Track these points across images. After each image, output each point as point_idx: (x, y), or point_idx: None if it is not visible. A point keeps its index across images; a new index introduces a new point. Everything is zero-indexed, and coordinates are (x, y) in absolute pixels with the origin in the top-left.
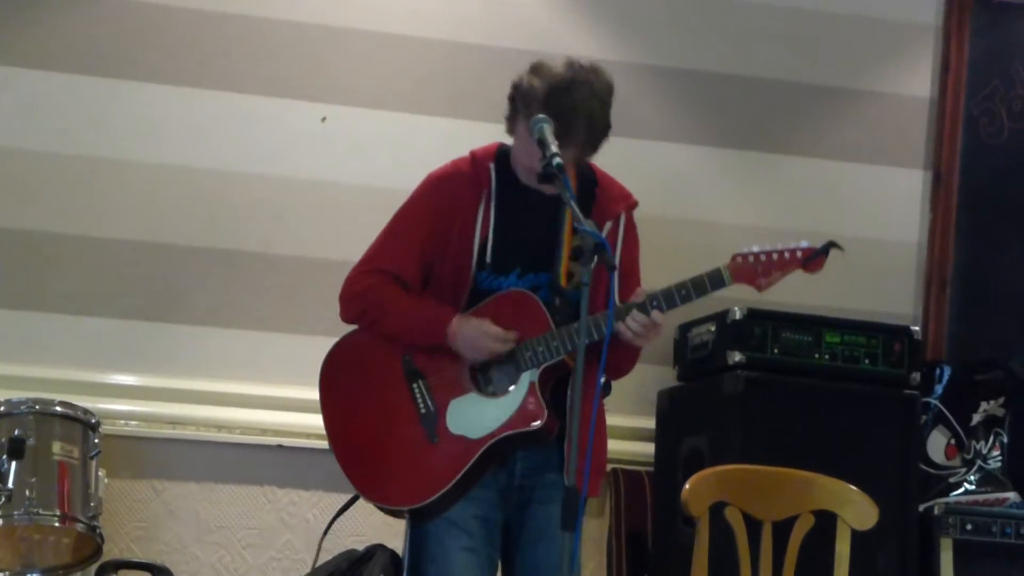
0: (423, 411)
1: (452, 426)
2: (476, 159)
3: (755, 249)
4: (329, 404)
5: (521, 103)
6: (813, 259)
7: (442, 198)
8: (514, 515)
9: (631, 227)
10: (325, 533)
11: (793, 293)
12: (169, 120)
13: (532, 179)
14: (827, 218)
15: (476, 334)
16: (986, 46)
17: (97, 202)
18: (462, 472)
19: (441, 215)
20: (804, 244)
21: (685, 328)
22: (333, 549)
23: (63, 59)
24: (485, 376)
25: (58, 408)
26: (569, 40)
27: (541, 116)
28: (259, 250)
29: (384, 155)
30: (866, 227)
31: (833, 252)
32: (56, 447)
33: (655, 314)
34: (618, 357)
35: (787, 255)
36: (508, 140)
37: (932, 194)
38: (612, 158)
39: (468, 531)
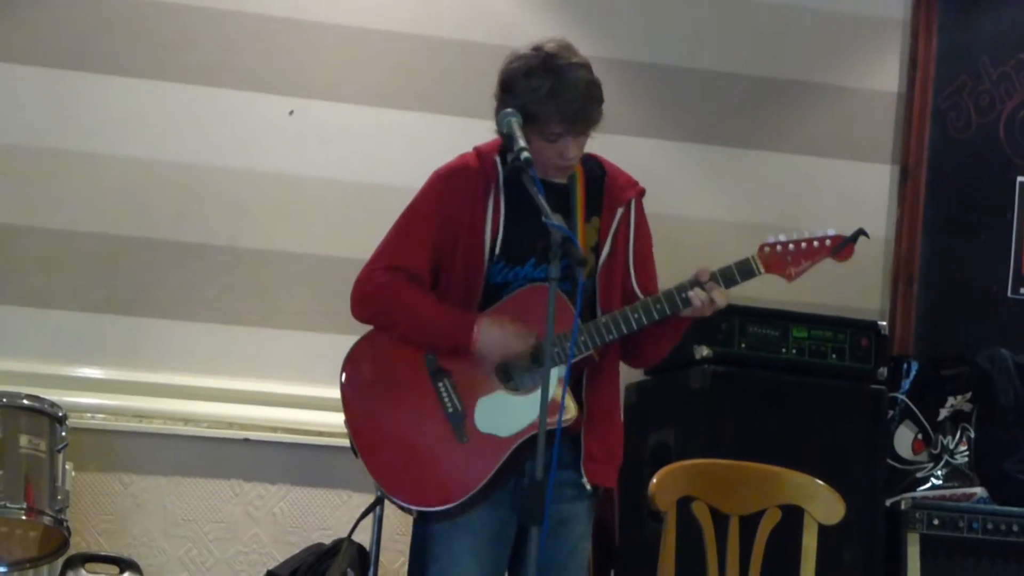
0: (450, 410)
1: (481, 425)
2: (481, 153)
3: (782, 238)
4: (354, 404)
5: (520, 91)
6: (843, 247)
7: (451, 193)
8: None
9: (641, 214)
10: (351, 533)
11: (760, 288)
12: (135, 113)
13: (546, 172)
14: (795, 212)
15: (501, 335)
16: (954, 41)
17: (63, 195)
18: (494, 470)
19: (451, 210)
20: (832, 232)
21: None
22: (299, 543)
23: (28, 52)
24: (511, 373)
25: (25, 401)
26: (537, 34)
27: (509, 111)
28: (226, 243)
29: (352, 149)
30: (834, 222)
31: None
32: (23, 440)
33: (717, 292)
34: (655, 342)
35: (816, 244)
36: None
37: (900, 189)
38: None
39: (473, 532)
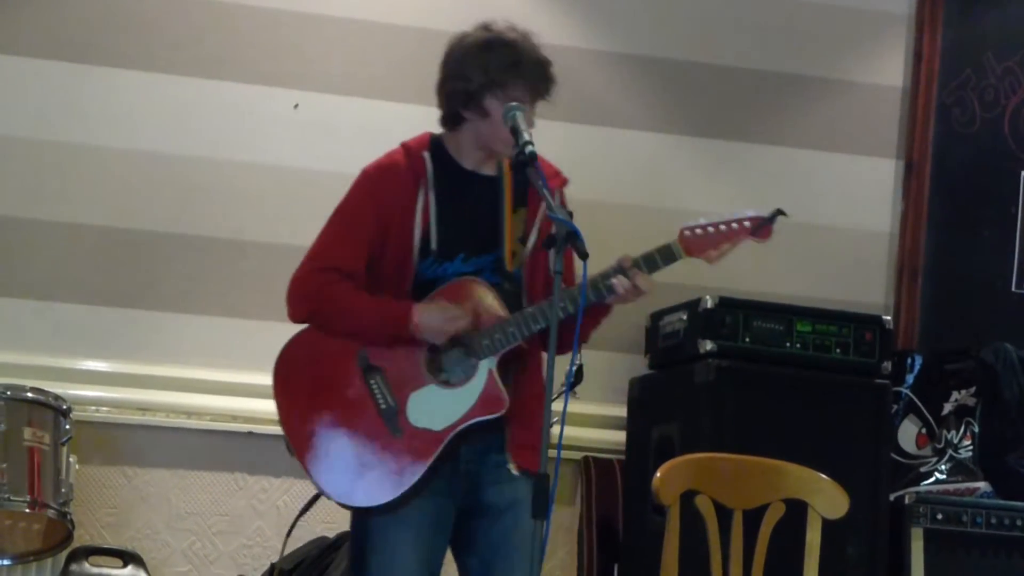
0: (383, 406)
1: (414, 419)
2: (410, 149)
3: (702, 221)
4: (286, 404)
5: (482, 63)
6: (761, 227)
7: (381, 190)
8: (464, 501)
9: (564, 204)
10: (289, 532)
11: (765, 282)
12: (141, 106)
13: (492, 152)
14: (799, 207)
15: (440, 316)
16: (958, 36)
17: (69, 188)
18: (429, 463)
19: (382, 208)
20: (750, 213)
21: (656, 316)
22: (304, 536)
23: (34, 44)
24: (443, 366)
25: (29, 394)
26: (540, 28)
27: (514, 104)
28: (231, 236)
29: (356, 142)
30: (838, 216)
31: (802, 243)
32: (27, 433)
33: (640, 278)
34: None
35: (735, 225)
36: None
37: (904, 183)
38: (584, 146)
39: (411, 523)
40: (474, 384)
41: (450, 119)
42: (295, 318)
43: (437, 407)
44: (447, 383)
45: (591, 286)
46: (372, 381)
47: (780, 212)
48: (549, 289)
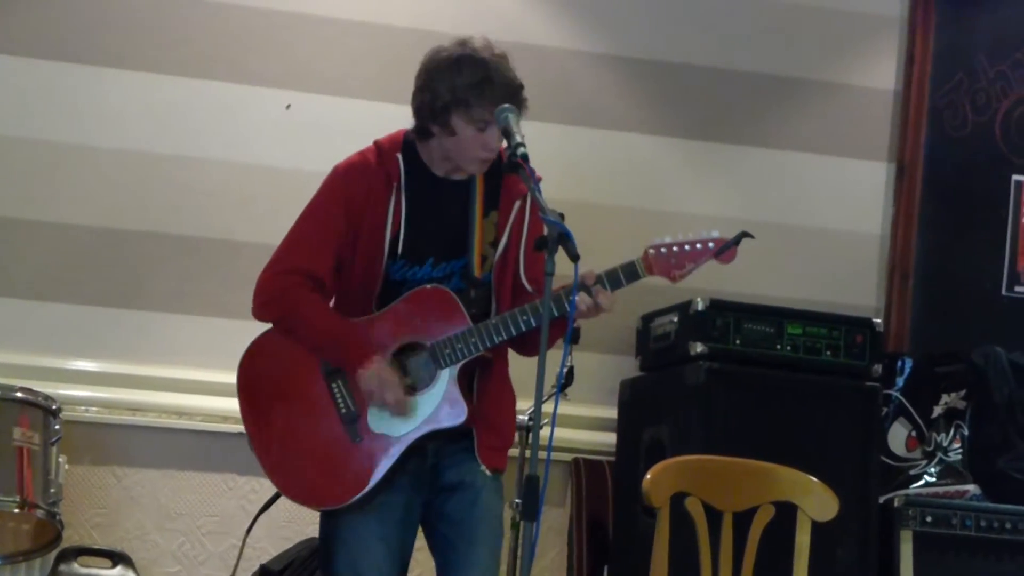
0: (343, 410)
1: (374, 425)
2: (383, 149)
3: (667, 240)
4: (248, 404)
5: (452, 79)
6: (724, 250)
7: (352, 190)
8: (431, 493)
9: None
10: (248, 532)
11: (756, 284)
12: (132, 105)
13: (462, 166)
14: (791, 209)
15: (378, 383)
16: (951, 39)
17: (59, 187)
18: (385, 470)
19: (352, 208)
20: (715, 234)
21: (647, 319)
22: (293, 537)
23: (24, 44)
24: (405, 373)
25: (19, 394)
26: (535, 30)
27: (507, 106)
28: (222, 237)
29: (348, 142)
30: (829, 219)
31: (793, 245)
32: (16, 433)
33: (602, 295)
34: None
35: (699, 246)
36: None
37: (896, 186)
38: (577, 148)
39: (378, 518)
40: (435, 392)
41: (420, 131)
42: (260, 319)
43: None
44: (411, 388)
45: (554, 302)
46: (334, 384)
47: (746, 234)
48: (516, 295)
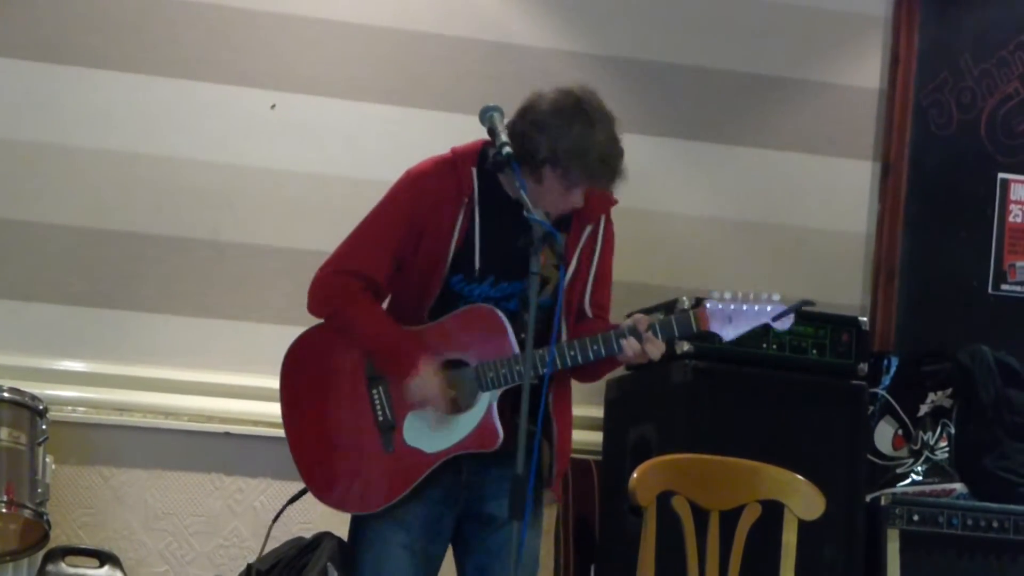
0: (380, 419)
1: (408, 438)
2: (458, 160)
3: (727, 296)
4: (288, 395)
5: (553, 136)
6: (783, 316)
7: (421, 198)
8: (467, 508)
9: (610, 230)
10: (274, 521)
11: (742, 282)
12: (117, 106)
13: (541, 208)
14: (776, 208)
15: (430, 392)
16: (935, 38)
17: (45, 188)
18: (413, 485)
19: (418, 215)
20: (776, 298)
21: None
22: (281, 536)
23: (7, 44)
24: (453, 384)
25: (6, 394)
26: (522, 30)
27: (492, 105)
28: (208, 237)
29: (334, 143)
30: (815, 217)
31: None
32: (3, 433)
33: (651, 344)
34: (597, 369)
35: (757, 308)
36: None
37: (881, 185)
38: None
39: (407, 527)
40: (473, 414)
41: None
42: (314, 315)
43: (433, 430)
44: (455, 404)
45: (604, 342)
46: (375, 391)
47: (807, 303)
48: (578, 319)
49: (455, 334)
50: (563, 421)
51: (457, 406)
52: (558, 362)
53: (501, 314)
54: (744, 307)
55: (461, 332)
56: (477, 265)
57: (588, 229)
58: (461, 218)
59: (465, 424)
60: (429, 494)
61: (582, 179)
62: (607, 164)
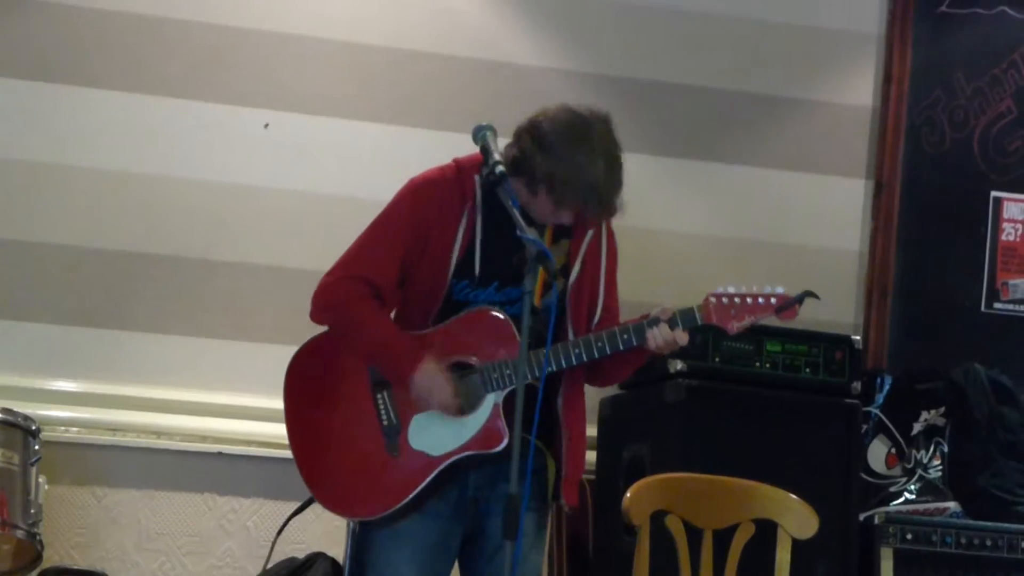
0: (385, 423)
1: (413, 441)
2: (461, 169)
3: (730, 290)
4: (292, 403)
5: (553, 159)
6: (787, 307)
7: (425, 205)
8: (472, 527)
9: (612, 236)
10: (279, 533)
11: None
12: (110, 125)
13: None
14: (769, 227)
15: (434, 388)
16: (928, 56)
17: (36, 207)
18: (419, 488)
19: (421, 223)
20: (780, 290)
21: None
22: (274, 557)
23: (1, 63)
24: (460, 389)
25: None
26: (512, 49)
27: (484, 124)
28: (200, 256)
29: (327, 161)
30: (808, 236)
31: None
32: None
33: (678, 332)
34: (616, 367)
35: (761, 300)
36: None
37: (874, 203)
38: None
39: (412, 542)
40: (478, 416)
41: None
42: (316, 321)
43: (438, 432)
44: (460, 407)
45: (635, 331)
46: (379, 395)
47: (810, 294)
48: (588, 319)
49: (459, 337)
50: (576, 428)
51: (463, 409)
52: (572, 358)
53: (505, 315)
54: (748, 300)
55: (465, 334)
56: (477, 271)
57: (590, 233)
58: (464, 225)
59: (470, 426)
60: (435, 509)
61: (573, 207)
62: (601, 199)
